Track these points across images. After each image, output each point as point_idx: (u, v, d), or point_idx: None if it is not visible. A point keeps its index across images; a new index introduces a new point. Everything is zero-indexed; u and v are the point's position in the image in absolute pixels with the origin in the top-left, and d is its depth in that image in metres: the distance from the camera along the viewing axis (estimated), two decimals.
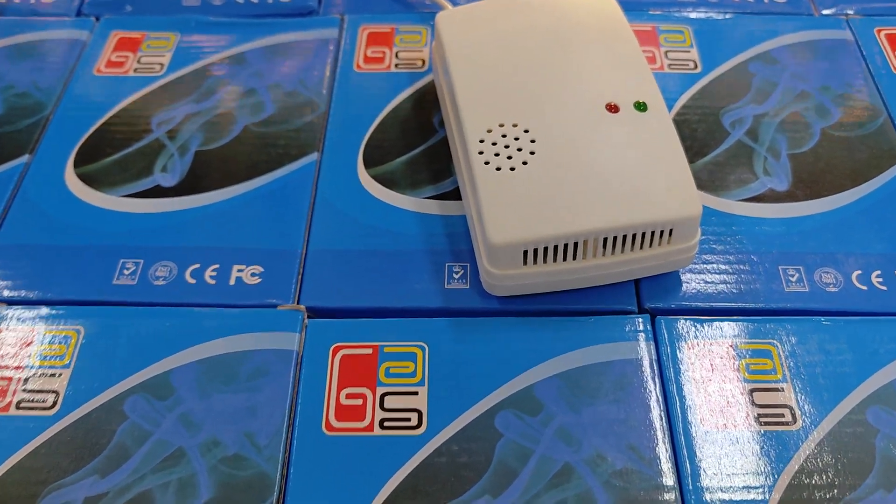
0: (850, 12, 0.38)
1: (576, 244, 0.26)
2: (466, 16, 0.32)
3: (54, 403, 0.26)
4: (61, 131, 0.34)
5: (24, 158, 0.33)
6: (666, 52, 0.36)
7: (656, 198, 0.26)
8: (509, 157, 0.27)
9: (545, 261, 0.27)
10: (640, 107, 0.28)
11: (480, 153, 0.27)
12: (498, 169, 0.27)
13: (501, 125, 0.28)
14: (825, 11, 0.38)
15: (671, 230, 0.27)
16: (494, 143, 0.27)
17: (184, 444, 0.25)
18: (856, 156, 0.32)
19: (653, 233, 0.27)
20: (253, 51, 0.36)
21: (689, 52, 0.36)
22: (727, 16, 0.37)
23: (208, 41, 0.37)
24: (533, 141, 0.27)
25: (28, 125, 0.34)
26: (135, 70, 0.36)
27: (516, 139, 0.27)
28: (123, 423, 0.26)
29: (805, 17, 0.38)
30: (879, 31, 0.37)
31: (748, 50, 0.36)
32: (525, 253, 0.26)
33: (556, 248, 0.26)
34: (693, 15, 0.37)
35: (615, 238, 0.26)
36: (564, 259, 0.27)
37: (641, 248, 0.27)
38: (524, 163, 0.27)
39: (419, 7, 0.38)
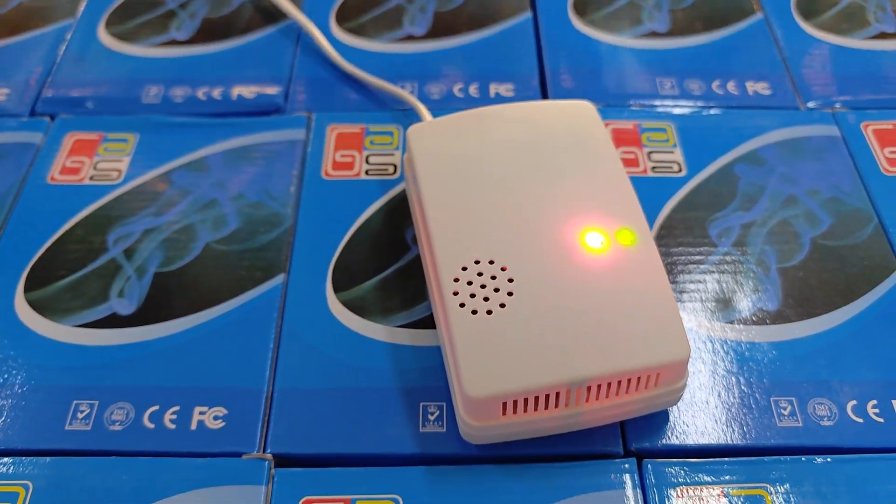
0: (837, 105, 0.37)
1: (558, 393, 0.25)
2: (439, 131, 0.30)
3: None
4: (11, 251, 0.32)
5: None
6: (649, 154, 0.35)
7: (643, 342, 0.25)
8: (486, 299, 0.26)
9: (525, 410, 0.25)
10: (625, 239, 0.27)
11: (455, 293, 0.26)
12: (474, 312, 0.26)
13: (477, 262, 0.27)
14: (811, 105, 0.37)
15: (658, 374, 0.25)
16: (470, 283, 0.26)
17: None
18: (847, 269, 0.31)
19: (640, 377, 0.25)
20: (215, 155, 0.35)
21: (672, 152, 0.35)
22: (711, 111, 0.36)
23: (168, 144, 0.35)
24: (511, 280, 0.26)
25: None
26: (91, 178, 0.34)
27: (493, 278, 0.26)
28: None
29: (791, 111, 0.37)
30: (867, 126, 0.36)
31: (734, 149, 0.35)
32: (504, 404, 0.25)
33: (537, 398, 0.25)
34: (676, 110, 0.36)
35: (599, 385, 0.25)
36: (546, 408, 0.25)
37: (627, 392, 0.26)
38: (502, 305, 0.26)
39: (390, 104, 0.37)
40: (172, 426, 0.27)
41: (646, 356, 0.25)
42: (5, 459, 0.27)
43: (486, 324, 0.25)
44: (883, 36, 0.40)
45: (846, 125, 0.36)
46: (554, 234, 0.27)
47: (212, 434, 0.27)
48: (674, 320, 0.26)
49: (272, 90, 0.37)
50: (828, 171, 0.34)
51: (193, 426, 0.27)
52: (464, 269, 0.26)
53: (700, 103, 0.37)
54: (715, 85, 0.38)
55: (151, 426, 0.27)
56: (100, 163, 0.35)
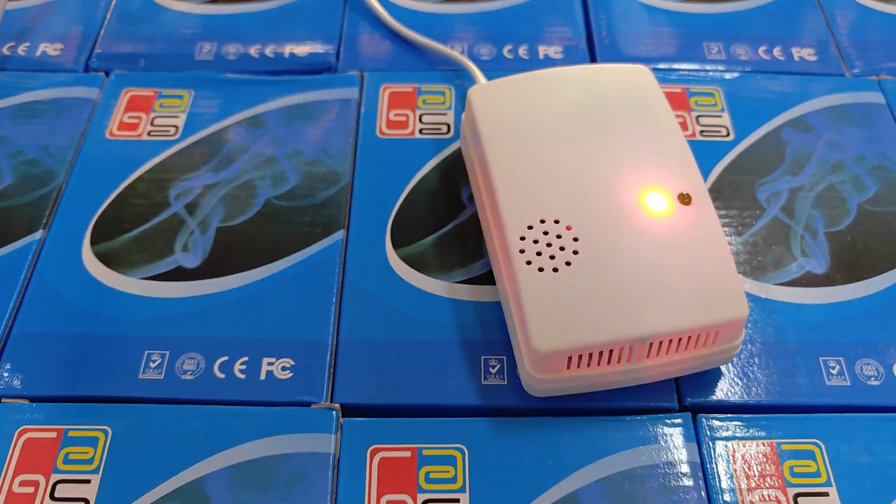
0: (883, 73, 0.38)
1: (620, 349, 0.26)
2: (500, 91, 0.31)
3: None
4: (75, 204, 0.33)
5: (38, 234, 0.32)
6: (697, 118, 0.35)
7: (702, 301, 0.26)
8: (552, 257, 0.27)
9: (588, 365, 0.26)
10: (685, 199, 0.28)
11: (522, 251, 0.27)
12: (541, 269, 0.27)
13: (542, 221, 0.27)
14: (856, 72, 0.38)
15: (717, 332, 0.27)
16: (536, 241, 0.27)
17: None
18: (893, 234, 0.32)
19: (700, 335, 0.26)
20: (270, 112, 0.36)
21: (720, 116, 0.35)
22: (758, 76, 0.37)
23: (224, 101, 0.36)
24: (576, 239, 0.27)
25: (40, 196, 0.33)
26: (149, 133, 0.35)
27: (558, 237, 0.27)
28: None
29: (837, 77, 0.37)
30: None
31: (781, 114, 0.36)
32: (570, 358, 0.26)
33: (600, 353, 0.26)
34: (723, 74, 0.37)
35: (661, 342, 0.26)
36: (609, 362, 0.26)
37: (686, 349, 0.27)
38: (567, 263, 0.27)
39: (441, 64, 0.38)
40: (242, 376, 0.29)
41: (706, 315, 0.26)
42: (83, 406, 0.28)
43: (552, 281, 0.26)
44: None
45: (891, 92, 0.37)
46: (616, 195, 0.28)
47: (280, 384, 0.28)
48: (733, 280, 0.27)
49: (324, 49, 0.38)
50: (874, 137, 0.35)
51: (262, 376, 0.29)
52: (529, 227, 0.27)
53: (747, 68, 0.38)
54: (761, 50, 0.38)
55: (222, 376, 0.29)
56: (156, 118, 0.36)
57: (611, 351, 0.26)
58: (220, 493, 0.26)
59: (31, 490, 0.26)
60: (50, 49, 0.38)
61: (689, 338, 0.26)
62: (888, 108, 0.36)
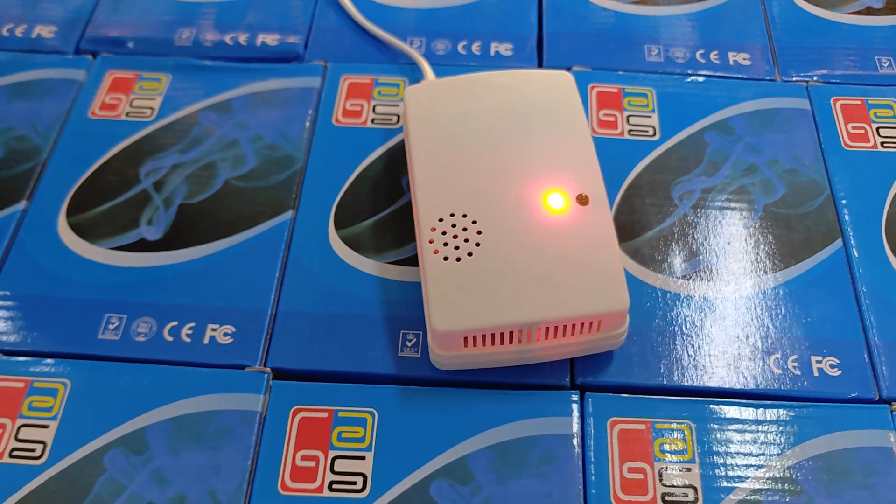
0: (814, 79, 0.40)
1: (512, 332, 0.29)
2: (433, 93, 0.34)
3: (42, 453, 0.30)
4: (56, 178, 0.37)
5: (21, 205, 0.36)
6: (628, 117, 0.38)
7: (588, 292, 0.29)
8: (457, 248, 0.30)
9: (484, 344, 0.30)
10: (583, 200, 0.31)
11: (431, 241, 0.30)
12: (445, 259, 0.30)
13: (452, 214, 0.31)
14: (786, 77, 0.40)
15: (600, 321, 0.30)
16: (444, 233, 0.30)
17: (154, 499, 0.29)
18: (792, 235, 0.35)
19: (583, 323, 0.30)
20: (238, 98, 0.39)
21: (650, 117, 0.38)
22: (691, 79, 0.40)
23: (197, 86, 0.40)
24: (479, 232, 0.30)
25: (25, 170, 0.37)
26: (127, 114, 0.39)
27: (464, 230, 0.30)
28: (102, 475, 0.30)
29: (767, 82, 0.40)
30: (836, 101, 0.39)
31: (707, 117, 0.38)
32: (466, 339, 0.30)
33: (493, 335, 0.29)
34: (659, 77, 0.40)
35: (549, 327, 0.30)
36: (502, 343, 0.30)
37: (573, 335, 0.30)
38: (469, 254, 0.30)
39: (399, 57, 0.41)
40: (188, 340, 0.32)
41: (589, 305, 0.29)
42: (48, 360, 0.32)
43: (454, 269, 0.30)
44: (869, 11, 0.43)
45: (817, 99, 0.39)
46: (521, 193, 0.31)
47: (221, 348, 0.32)
48: (616, 275, 0.30)
49: (293, 39, 0.41)
50: (791, 142, 0.37)
51: (206, 341, 0.32)
52: (440, 220, 0.31)
53: (684, 71, 0.40)
54: (699, 54, 0.41)
55: (170, 339, 0.32)
56: (135, 100, 0.39)
57: (503, 333, 0.29)
58: (159, 442, 0.30)
59: None
60: (45, 31, 0.42)
61: (574, 325, 0.30)
62: (811, 113, 0.38)
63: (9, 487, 0.29)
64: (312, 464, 0.30)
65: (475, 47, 0.41)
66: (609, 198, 0.34)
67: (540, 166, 0.32)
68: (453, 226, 0.31)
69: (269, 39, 0.41)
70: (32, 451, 0.30)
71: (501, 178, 0.31)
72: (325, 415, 0.31)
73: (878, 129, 0.38)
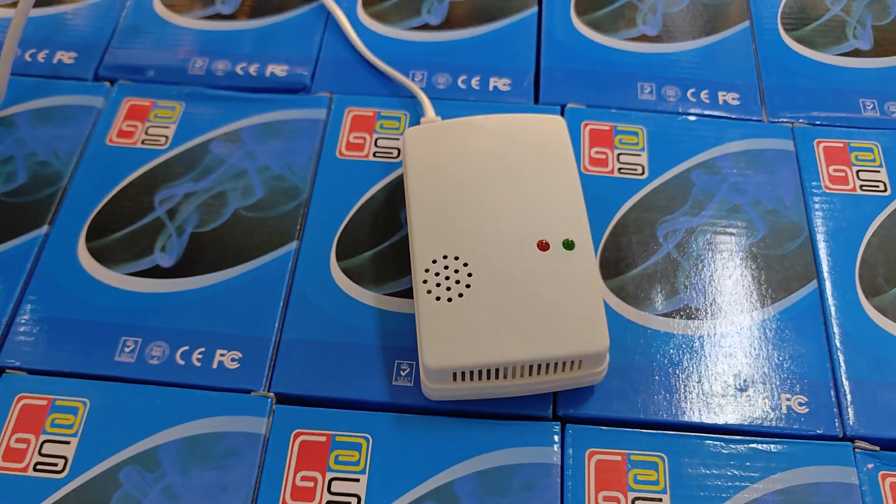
0: (800, 120, 0.42)
1: (497, 369, 0.32)
2: (431, 136, 0.37)
3: (64, 468, 0.33)
4: (76, 204, 0.39)
5: (44, 230, 0.39)
6: (619, 156, 0.40)
7: (569, 333, 0.32)
8: (448, 289, 0.33)
9: (472, 379, 0.32)
10: (569, 245, 0.33)
11: (425, 281, 0.33)
12: (438, 299, 0.33)
13: (445, 257, 0.33)
14: (773, 119, 0.42)
15: (580, 361, 0.32)
16: (437, 274, 0.33)
17: None
18: (771, 275, 0.37)
19: (564, 362, 0.32)
20: (248, 128, 0.42)
21: (639, 155, 0.40)
22: (681, 118, 0.42)
23: (209, 115, 0.42)
24: (470, 275, 0.33)
25: (47, 195, 0.40)
26: (143, 142, 0.41)
27: (456, 271, 0.33)
28: (118, 490, 0.32)
29: (754, 123, 0.42)
30: (819, 143, 0.41)
31: (695, 157, 0.40)
32: (455, 374, 0.32)
33: (480, 371, 0.32)
34: (651, 116, 0.42)
35: (531, 366, 0.32)
36: (489, 378, 0.32)
37: (556, 372, 0.33)
38: (460, 295, 0.32)
39: (402, 91, 0.43)
40: (198, 364, 0.35)
41: (569, 346, 0.32)
42: (68, 380, 0.35)
43: (446, 309, 0.32)
44: (856, 53, 0.44)
45: (801, 140, 0.41)
46: (511, 238, 0.34)
47: (229, 372, 0.35)
48: (597, 317, 0.32)
49: (301, 70, 0.44)
50: (775, 183, 0.40)
51: (214, 365, 0.35)
52: (434, 261, 0.33)
53: (675, 109, 0.42)
54: (689, 93, 0.43)
55: (182, 363, 0.35)
56: (150, 128, 0.42)
57: (489, 370, 0.32)
58: (171, 460, 0.33)
59: (24, 446, 0.33)
60: (65, 57, 0.45)
61: (557, 364, 0.32)
62: (795, 155, 0.41)
63: (33, 499, 0.32)
64: (311, 484, 0.33)
65: (474, 82, 0.43)
66: (597, 236, 0.37)
67: (529, 211, 0.34)
68: (446, 267, 0.33)
69: (279, 70, 0.44)
70: (55, 465, 0.33)
71: (493, 223, 0.34)
72: (323, 438, 0.34)
73: (857, 171, 0.40)
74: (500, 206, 0.34)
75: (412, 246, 0.34)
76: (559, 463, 0.33)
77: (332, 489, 0.32)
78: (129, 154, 0.41)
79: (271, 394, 0.35)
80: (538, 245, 0.33)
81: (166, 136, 0.42)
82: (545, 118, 0.37)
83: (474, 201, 0.34)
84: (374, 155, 0.41)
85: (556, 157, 0.36)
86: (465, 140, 0.36)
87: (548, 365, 0.32)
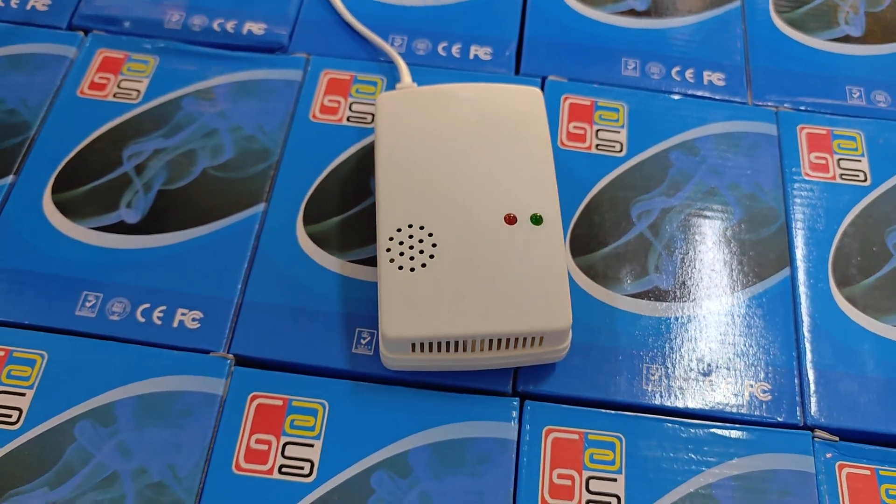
0: (785, 105, 0.43)
1: (457, 342, 0.33)
2: (403, 103, 0.37)
3: (18, 419, 0.34)
4: (44, 155, 0.40)
5: (9, 179, 0.39)
6: (597, 132, 0.41)
7: (532, 309, 0.33)
8: (411, 258, 0.34)
9: (431, 350, 0.33)
10: (536, 220, 0.34)
11: (388, 250, 0.34)
12: (400, 268, 0.33)
13: (410, 226, 0.34)
14: (758, 102, 0.43)
15: (541, 337, 0.33)
16: (401, 243, 0.34)
17: (118, 469, 0.33)
18: (744, 260, 0.38)
19: (525, 338, 0.33)
20: (221, 86, 0.42)
21: (618, 132, 0.41)
22: (664, 96, 0.43)
23: (183, 71, 0.43)
24: (434, 245, 0.34)
25: (14, 144, 0.40)
26: (114, 95, 0.42)
27: (420, 241, 0.34)
28: (72, 444, 0.34)
29: (738, 105, 0.43)
30: (802, 128, 0.42)
31: (675, 136, 0.41)
32: (413, 345, 0.33)
33: (439, 343, 0.33)
34: (633, 92, 0.43)
35: (491, 340, 0.33)
36: (448, 350, 0.33)
37: (517, 348, 0.34)
38: (423, 265, 0.33)
39: (380, 55, 0.44)
40: (159, 322, 0.36)
41: (532, 321, 0.33)
42: (27, 332, 0.36)
43: (407, 279, 0.33)
44: (847, 39, 0.45)
45: (784, 125, 0.42)
46: (478, 209, 0.34)
47: (189, 332, 0.36)
48: (561, 294, 0.33)
49: (279, 30, 0.44)
50: (754, 167, 0.41)
51: (175, 324, 0.36)
52: (398, 230, 0.34)
53: (659, 87, 0.43)
54: (674, 71, 0.43)
55: (142, 320, 0.36)
56: (123, 81, 0.43)
57: (448, 342, 0.33)
58: (126, 416, 0.34)
59: None
60: (38, 4, 0.45)
61: (517, 339, 0.33)
62: (777, 139, 0.41)
63: None
64: (265, 447, 0.34)
65: (455, 49, 0.44)
66: (569, 212, 0.38)
67: (499, 183, 0.35)
68: (410, 237, 0.34)
69: (256, 28, 0.44)
70: (9, 416, 0.34)
71: (460, 193, 0.35)
72: (280, 402, 0.35)
73: (839, 160, 0.41)
74: (469, 176, 0.35)
75: (378, 213, 0.35)
76: (515, 439, 0.34)
77: (286, 453, 0.34)
78: (100, 107, 0.42)
79: (230, 355, 0.36)
80: (505, 218, 0.34)
81: (138, 91, 0.42)
82: (522, 89, 0.38)
83: (443, 171, 0.35)
84: (347, 119, 0.42)
85: (530, 130, 0.36)
86: (439, 108, 0.37)
87: (508, 340, 0.33)
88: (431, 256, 0.34)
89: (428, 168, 0.35)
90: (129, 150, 0.40)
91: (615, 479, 0.33)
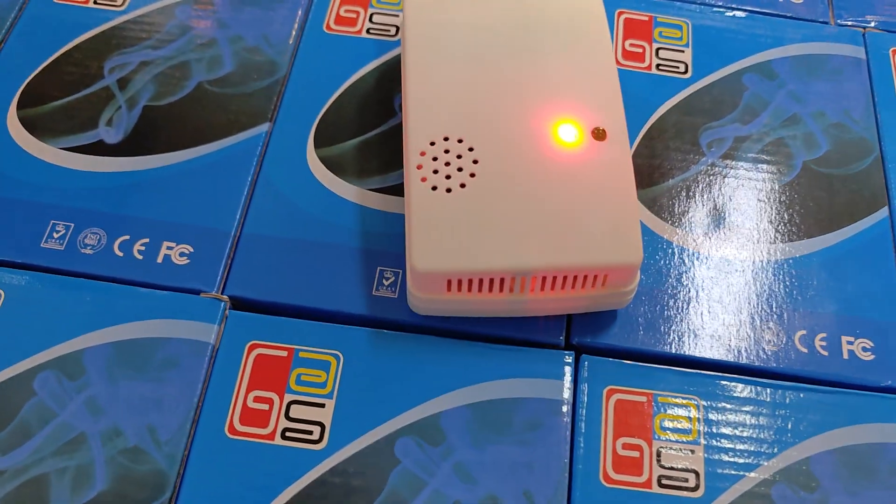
0: (871, 24, 0.36)
1: (502, 279, 0.26)
2: (437, 0, 0.31)
3: None
4: (9, 66, 0.33)
5: None
6: (657, 50, 0.34)
7: (595, 241, 0.26)
8: (448, 177, 0.27)
9: (470, 290, 0.27)
10: (599, 135, 0.27)
11: (419, 167, 0.27)
12: (434, 188, 0.27)
13: (446, 138, 0.27)
14: (842, 22, 0.36)
15: (605, 275, 0.26)
16: (435, 159, 0.27)
17: (86, 430, 0.26)
18: (833, 198, 0.31)
19: (587, 276, 0.26)
20: None
21: (683, 52, 0.34)
22: (734, 13, 0.36)
23: None
24: (476, 161, 0.27)
25: None
26: (95, 1, 0.35)
27: (459, 157, 0.27)
28: (31, 399, 0.27)
29: (819, 24, 0.36)
30: (895, 51, 0.35)
31: (748, 57, 0.34)
32: (449, 282, 0.26)
33: (481, 280, 0.26)
34: (697, 8, 0.36)
35: (546, 276, 0.26)
36: (491, 291, 0.27)
37: (574, 288, 0.27)
38: (462, 185, 0.27)
39: None
40: (140, 257, 0.29)
41: (594, 255, 0.26)
42: None
43: (443, 201, 0.26)
44: None
45: (873, 47, 0.35)
46: (528, 121, 0.28)
47: (176, 269, 0.29)
48: (631, 224, 0.26)
49: None
50: (841, 94, 0.34)
51: (160, 259, 0.29)
52: (432, 143, 0.27)
53: (726, 3, 0.36)
54: None
55: (121, 254, 0.29)
56: None
57: (491, 280, 0.26)
58: (97, 368, 0.27)
59: None
60: None
61: (576, 277, 0.26)
62: (866, 64, 0.35)
63: None
64: (266, 406, 0.27)
65: None
66: (629, 137, 0.31)
67: (553, 91, 0.28)
68: (446, 151, 0.27)
69: None
70: None
71: (507, 102, 0.28)
72: (284, 353, 0.28)
73: None
74: (517, 83, 0.28)
75: (406, 125, 0.28)
76: (570, 400, 0.27)
77: (291, 414, 0.27)
78: (79, 14, 0.35)
79: (225, 297, 0.29)
80: (562, 131, 0.27)
81: None
82: None
83: (486, 76, 0.28)
84: (367, 31, 0.35)
85: (588, 33, 0.30)
86: (480, 6, 0.30)
87: (564, 278, 0.26)
88: (472, 175, 0.27)
89: (467, 73, 0.29)
90: (112, 62, 0.34)
91: (692, 451, 0.27)
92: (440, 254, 0.26)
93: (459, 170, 0.27)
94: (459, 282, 0.26)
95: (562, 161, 0.27)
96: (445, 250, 0.26)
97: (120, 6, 0.35)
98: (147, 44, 0.34)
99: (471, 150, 0.27)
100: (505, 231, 0.26)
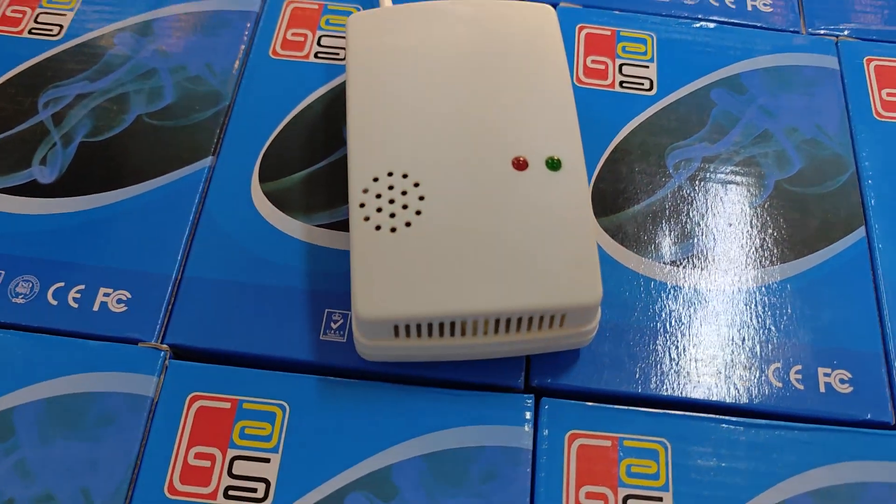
0: (845, 33, 0.34)
1: (453, 323, 0.25)
2: (382, 22, 0.29)
3: None
4: None
5: None
6: (620, 66, 0.33)
7: (550, 280, 0.24)
8: (392, 215, 0.25)
9: (420, 335, 0.25)
10: (554, 165, 0.26)
11: (361, 206, 0.25)
12: (378, 228, 0.25)
13: (390, 174, 0.26)
14: (814, 31, 0.34)
15: (563, 315, 0.25)
16: (378, 196, 0.25)
17: (15, 496, 0.25)
18: (807, 219, 0.30)
19: (542, 317, 0.25)
20: (162, 20, 0.34)
21: (647, 67, 0.33)
22: (701, 24, 0.34)
23: (116, 1, 0.34)
24: (421, 198, 0.25)
25: None
26: (30, 31, 0.34)
27: (403, 193, 0.25)
28: None
29: (790, 34, 0.34)
30: (869, 61, 0.33)
31: (716, 71, 0.33)
32: (396, 328, 0.25)
33: (430, 325, 0.25)
34: (662, 20, 0.34)
35: (499, 319, 0.25)
36: (441, 335, 0.25)
37: (530, 329, 0.25)
38: (407, 224, 0.25)
39: None
40: (74, 305, 0.28)
41: (550, 295, 0.24)
42: None
43: (387, 242, 0.25)
44: None
45: (847, 57, 0.34)
46: (478, 153, 0.26)
47: (113, 317, 0.28)
48: (588, 260, 0.25)
49: None
50: (814, 108, 0.32)
51: (96, 307, 0.28)
52: (375, 179, 0.26)
53: (692, 14, 0.34)
54: None
55: (54, 303, 0.28)
56: (41, 14, 0.34)
57: (441, 324, 0.25)
58: (28, 428, 0.26)
59: None
60: None
61: (531, 319, 0.25)
62: (839, 74, 0.33)
63: None
64: (208, 463, 0.25)
65: None
66: (591, 161, 0.30)
67: (504, 120, 0.27)
68: (390, 188, 0.25)
69: None
70: None
71: (456, 133, 0.26)
72: (227, 405, 0.26)
73: None
74: (465, 112, 0.27)
75: (350, 160, 0.26)
76: (531, 447, 0.26)
77: (234, 471, 0.25)
78: (11, 45, 0.33)
79: (165, 346, 0.27)
80: (513, 163, 0.26)
81: (61, 26, 0.34)
82: (530, 6, 0.29)
83: (433, 105, 0.27)
84: (315, 56, 0.33)
85: (542, 55, 0.28)
86: (426, 29, 0.28)
87: (520, 320, 0.25)
88: (418, 213, 0.25)
89: (412, 102, 0.27)
90: (47, 96, 0.32)
91: (661, 499, 0.25)
92: (385, 299, 0.24)
93: (404, 207, 0.25)
94: (407, 327, 0.25)
95: (514, 194, 0.25)
96: (391, 295, 0.24)
97: (56, 35, 0.33)
98: (84, 75, 0.32)
99: (416, 185, 0.25)
100: (453, 272, 0.24)
